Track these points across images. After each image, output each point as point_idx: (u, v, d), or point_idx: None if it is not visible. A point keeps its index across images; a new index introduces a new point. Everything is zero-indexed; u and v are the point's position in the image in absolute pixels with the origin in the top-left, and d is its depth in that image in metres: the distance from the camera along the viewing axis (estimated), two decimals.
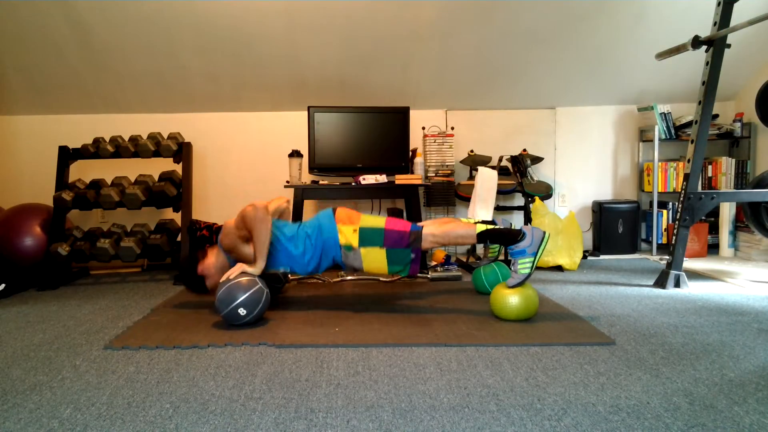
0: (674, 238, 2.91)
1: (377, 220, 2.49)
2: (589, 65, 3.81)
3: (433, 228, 2.45)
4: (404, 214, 3.82)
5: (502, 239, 2.40)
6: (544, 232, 2.35)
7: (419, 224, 2.50)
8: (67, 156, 3.60)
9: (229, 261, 2.55)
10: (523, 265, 2.30)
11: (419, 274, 3.16)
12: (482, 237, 2.41)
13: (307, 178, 3.84)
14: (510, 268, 2.35)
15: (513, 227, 2.49)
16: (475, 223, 2.53)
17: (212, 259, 2.57)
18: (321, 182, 3.60)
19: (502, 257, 3.30)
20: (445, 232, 2.44)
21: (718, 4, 2.86)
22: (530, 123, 4.17)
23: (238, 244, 2.48)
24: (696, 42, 2.83)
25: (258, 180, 4.07)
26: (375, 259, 2.45)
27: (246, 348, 2.04)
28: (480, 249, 4.02)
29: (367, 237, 2.44)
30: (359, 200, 4.07)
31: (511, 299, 2.28)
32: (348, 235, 2.45)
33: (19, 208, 3.52)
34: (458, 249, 4.10)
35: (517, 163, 3.91)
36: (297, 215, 3.44)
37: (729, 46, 2.87)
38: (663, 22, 3.52)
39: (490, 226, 2.42)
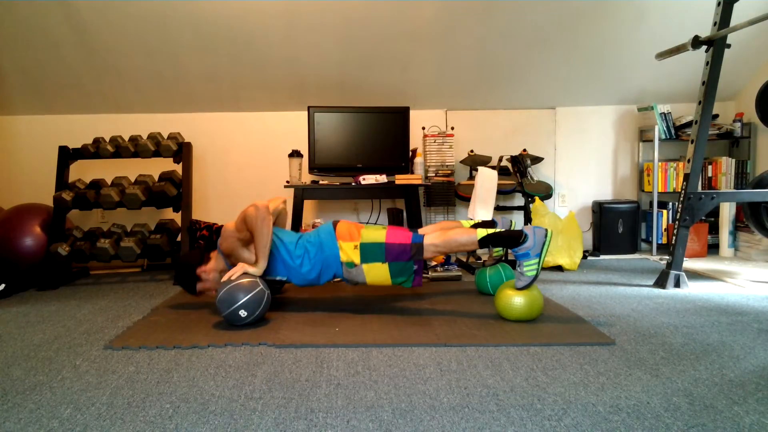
0: (674, 238, 2.91)
1: (378, 234, 2.47)
2: (589, 65, 3.81)
3: (434, 238, 2.43)
4: (404, 214, 3.82)
5: (503, 242, 2.36)
6: (546, 231, 2.30)
7: (420, 232, 2.48)
8: (67, 156, 3.60)
9: (227, 266, 2.56)
10: (529, 267, 2.27)
11: None
12: (484, 242, 2.38)
13: (307, 178, 3.83)
14: (515, 270, 2.34)
15: (513, 224, 2.48)
16: (475, 225, 2.51)
17: (212, 263, 2.58)
18: (321, 182, 3.60)
19: (509, 257, 3.29)
20: (447, 240, 2.41)
21: (718, 4, 2.86)
22: (530, 123, 4.17)
23: (237, 247, 2.48)
24: (696, 42, 2.83)
25: (258, 180, 4.07)
26: (378, 274, 2.46)
27: (246, 348, 2.04)
28: (484, 250, 4.01)
29: (369, 252, 2.43)
30: (359, 200, 4.08)
31: (515, 300, 2.28)
32: (349, 251, 2.45)
33: (19, 208, 3.52)
34: None
35: (517, 163, 3.91)
36: (297, 215, 3.44)
37: (729, 46, 2.87)
38: (663, 22, 3.52)
39: (490, 230, 2.40)
